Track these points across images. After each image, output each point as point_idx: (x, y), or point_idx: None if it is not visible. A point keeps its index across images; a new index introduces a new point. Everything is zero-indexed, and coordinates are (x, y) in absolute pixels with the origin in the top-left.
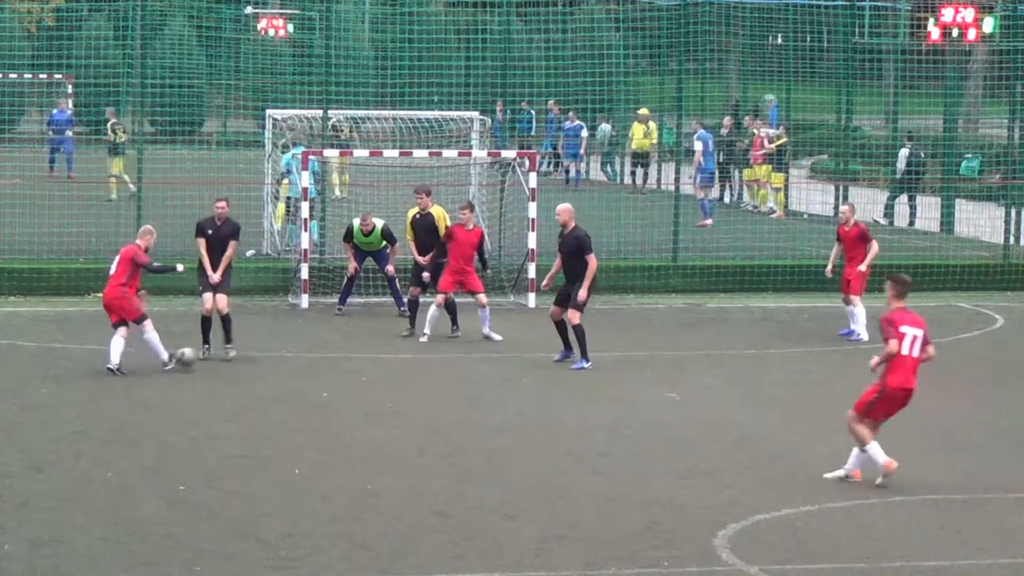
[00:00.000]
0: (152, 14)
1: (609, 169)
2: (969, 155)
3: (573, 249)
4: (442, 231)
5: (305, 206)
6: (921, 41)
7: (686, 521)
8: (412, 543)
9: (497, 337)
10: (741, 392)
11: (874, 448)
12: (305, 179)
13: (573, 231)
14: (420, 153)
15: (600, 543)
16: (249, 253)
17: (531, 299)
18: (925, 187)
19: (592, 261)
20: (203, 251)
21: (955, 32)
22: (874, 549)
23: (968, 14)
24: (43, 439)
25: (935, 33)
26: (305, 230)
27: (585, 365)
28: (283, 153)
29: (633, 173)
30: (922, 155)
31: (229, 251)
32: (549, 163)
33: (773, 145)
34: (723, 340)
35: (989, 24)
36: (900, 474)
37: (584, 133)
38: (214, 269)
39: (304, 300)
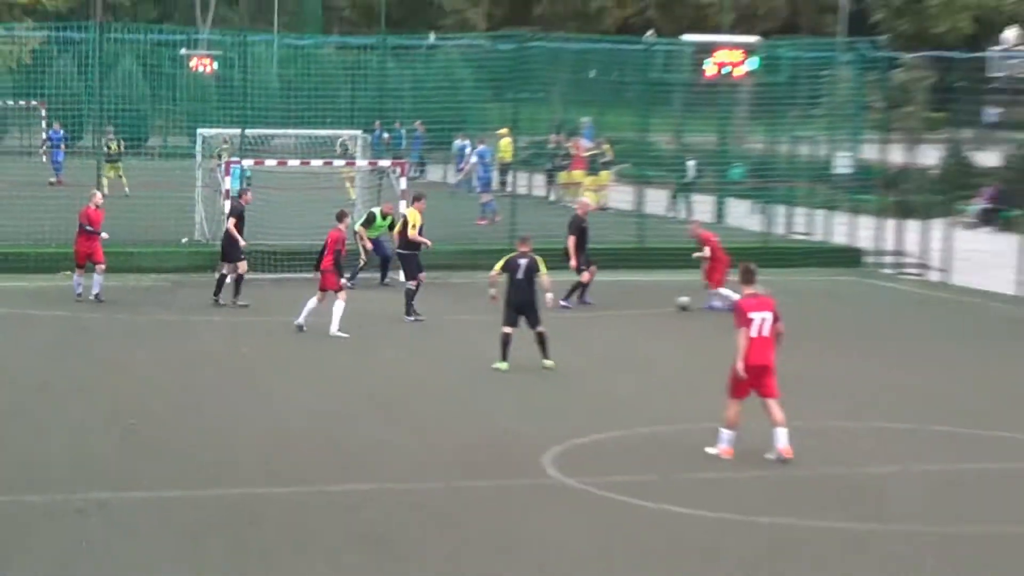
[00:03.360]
0: (107, 55)
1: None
2: (737, 164)
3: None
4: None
5: (227, 204)
6: (700, 76)
7: (520, 444)
8: (313, 463)
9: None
10: (566, 345)
11: (725, 434)
12: (228, 183)
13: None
14: (316, 162)
15: (459, 463)
16: (183, 240)
17: (400, 276)
18: (703, 188)
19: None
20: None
21: (726, 69)
22: (667, 463)
23: (737, 55)
24: (11, 391)
25: (711, 70)
26: (226, 221)
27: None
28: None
29: (503, 181)
30: (694, 164)
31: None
32: (416, 171)
33: (588, 153)
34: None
35: (753, 63)
36: (685, 407)
37: (488, 159)
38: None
39: (228, 277)
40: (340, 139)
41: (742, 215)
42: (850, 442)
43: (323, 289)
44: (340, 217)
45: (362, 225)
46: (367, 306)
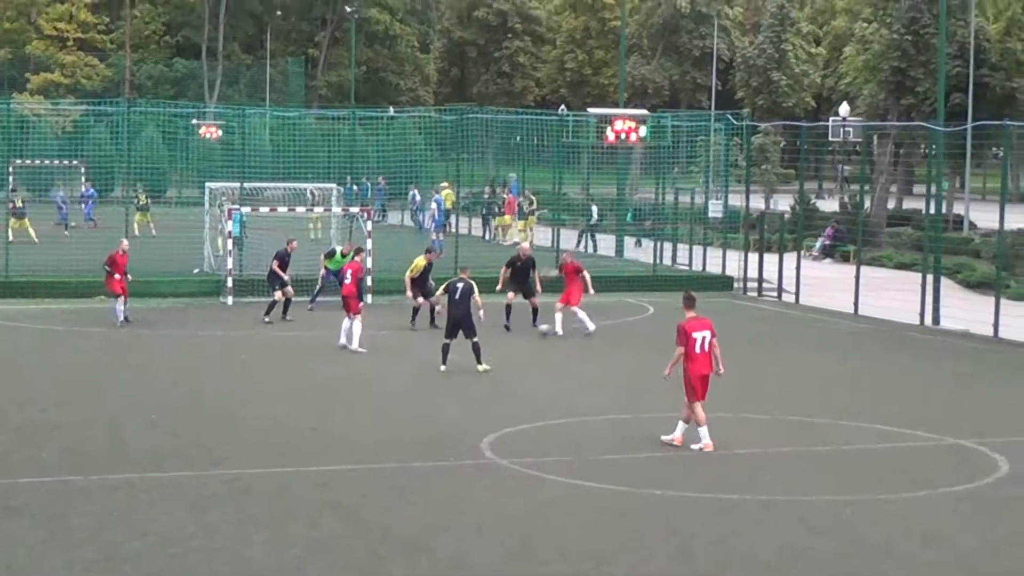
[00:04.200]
0: (134, 124)
1: (418, 219)
2: (631, 209)
3: (528, 268)
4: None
5: (229, 242)
6: (603, 140)
7: (460, 432)
8: (296, 448)
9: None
10: (499, 351)
11: (702, 431)
12: (230, 225)
13: (529, 257)
14: (300, 209)
15: (410, 445)
16: (196, 271)
17: (368, 298)
18: (605, 229)
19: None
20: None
21: (623, 135)
22: (578, 447)
23: (631, 124)
24: (62, 389)
25: (611, 136)
26: (230, 256)
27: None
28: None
29: (446, 223)
30: (597, 210)
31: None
32: (379, 216)
33: (521, 202)
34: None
35: (643, 130)
36: (590, 402)
37: (443, 205)
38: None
39: (230, 299)
40: (308, 190)
41: (637, 250)
42: (723, 429)
43: (347, 311)
44: (357, 252)
45: (325, 256)
46: (333, 320)
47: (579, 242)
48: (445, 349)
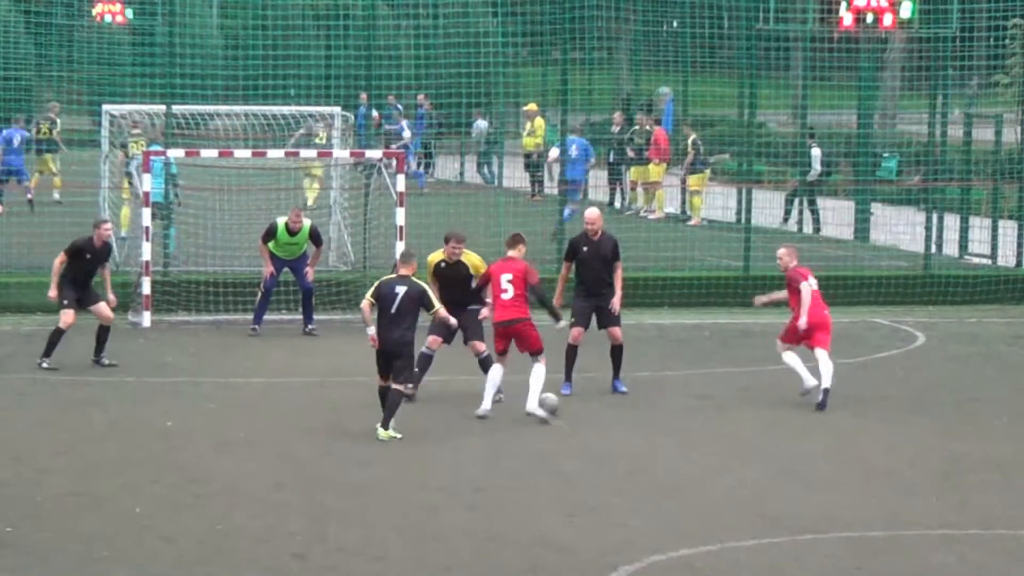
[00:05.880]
0: None
1: (486, 171)
2: (886, 154)
3: (608, 256)
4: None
5: (147, 212)
6: (832, 27)
7: (573, 563)
8: None
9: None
10: (633, 419)
11: None
12: (147, 182)
13: (604, 236)
14: (275, 153)
15: None
16: None
17: None
18: (836, 190)
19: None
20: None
21: (869, 17)
22: None
23: None
24: None
25: (847, 19)
26: (147, 239)
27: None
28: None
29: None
30: (817, 154)
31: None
32: (419, 164)
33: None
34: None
35: (908, 8)
36: (811, 509)
37: (588, 155)
38: (85, 288)
39: (146, 318)
40: (305, 123)
41: (895, 228)
42: None
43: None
44: (515, 242)
45: (263, 237)
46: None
47: (787, 214)
48: (382, 396)
